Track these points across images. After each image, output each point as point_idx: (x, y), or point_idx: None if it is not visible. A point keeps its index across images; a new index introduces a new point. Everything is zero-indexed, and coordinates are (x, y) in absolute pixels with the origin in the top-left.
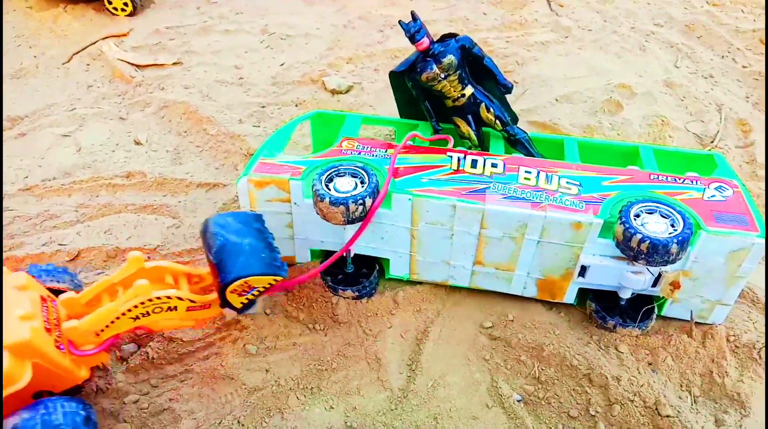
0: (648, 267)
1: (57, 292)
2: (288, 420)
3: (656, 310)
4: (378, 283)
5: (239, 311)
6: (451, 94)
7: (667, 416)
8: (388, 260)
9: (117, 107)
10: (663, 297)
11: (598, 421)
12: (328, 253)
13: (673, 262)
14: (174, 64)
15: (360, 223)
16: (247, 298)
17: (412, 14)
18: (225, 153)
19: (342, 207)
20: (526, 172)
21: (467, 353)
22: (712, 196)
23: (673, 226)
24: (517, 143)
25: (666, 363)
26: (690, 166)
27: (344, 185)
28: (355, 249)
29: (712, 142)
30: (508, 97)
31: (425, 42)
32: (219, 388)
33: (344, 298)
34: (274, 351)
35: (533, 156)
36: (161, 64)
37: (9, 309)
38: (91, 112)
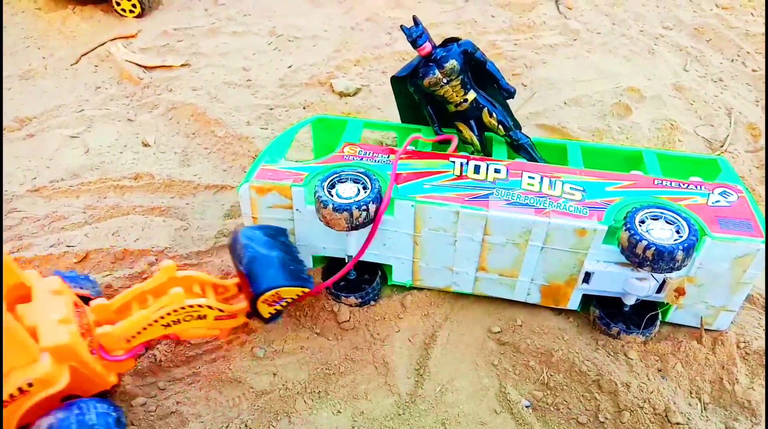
0: (653, 273)
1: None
2: (295, 424)
3: (660, 316)
4: (381, 290)
5: (266, 321)
6: (453, 99)
7: (677, 423)
8: (390, 266)
9: (125, 109)
10: (667, 303)
11: (607, 428)
12: (330, 260)
13: (679, 268)
14: (182, 65)
15: (362, 229)
16: (275, 309)
17: (414, 19)
18: (233, 155)
19: (345, 213)
20: (529, 177)
21: (475, 358)
22: (716, 202)
23: (678, 232)
24: (520, 148)
25: (676, 369)
26: (694, 171)
27: (347, 191)
28: None
29: (722, 146)
30: (515, 99)
31: (427, 47)
32: (226, 392)
33: (346, 304)
34: (281, 354)
35: (536, 161)
36: (169, 66)
37: (46, 313)
38: (99, 114)
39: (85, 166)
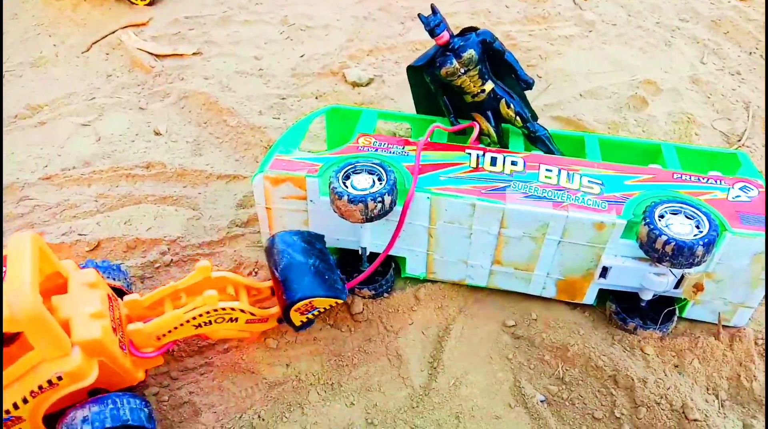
0: (671, 269)
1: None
2: (308, 415)
3: (677, 311)
4: (394, 282)
5: (297, 329)
6: (470, 90)
7: (695, 420)
8: (404, 259)
9: (136, 97)
10: (685, 299)
11: (623, 424)
12: (343, 251)
13: (698, 264)
14: (194, 54)
15: (376, 221)
16: (307, 318)
17: (432, 7)
18: (245, 145)
19: (361, 205)
20: (547, 170)
21: (490, 352)
22: (736, 197)
23: (698, 227)
24: (537, 140)
25: (693, 366)
26: (713, 165)
27: (362, 182)
28: (372, 247)
29: (740, 140)
30: (530, 91)
31: (445, 36)
32: (239, 382)
33: (360, 297)
34: (294, 345)
35: (554, 153)
36: (181, 54)
37: (79, 306)
38: (111, 102)
39: (97, 154)
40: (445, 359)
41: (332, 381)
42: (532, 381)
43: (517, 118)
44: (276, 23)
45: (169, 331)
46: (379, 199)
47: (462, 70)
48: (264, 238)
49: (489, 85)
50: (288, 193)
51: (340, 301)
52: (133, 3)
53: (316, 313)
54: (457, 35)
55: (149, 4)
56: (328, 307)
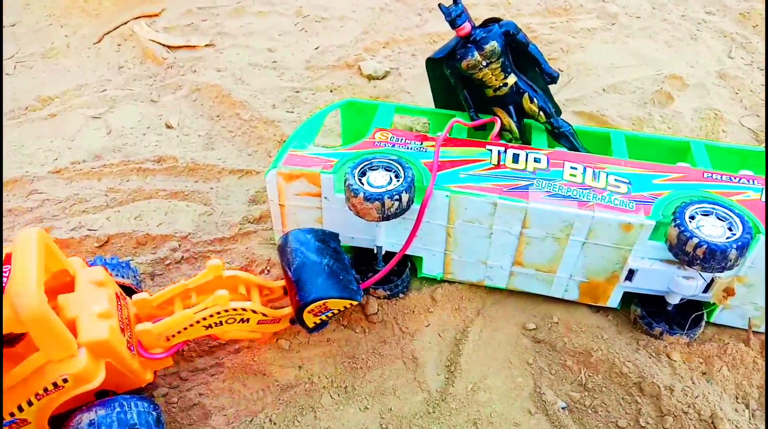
0: (701, 273)
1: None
2: (321, 420)
3: (705, 316)
4: (410, 282)
5: (310, 330)
6: (492, 83)
7: None
8: (421, 258)
9: (148, 89)
10: (714, 303)
11: None
12: (357, 250)
13: (731, 268)
14: (206, 45)
15: (393, 219)
16: (320, 319)
17: None
18: (258, 139)
19: (377, 203)
20: (571, 167)
21: (509, 356)
22: None
23: (730, 229)
24: (561, 136)
25: (722, 373)
26: (743, 164)
27: (378, 179)
28: (387, 246)
29: None
30: (552, 86)
31: (467, 27)
32: (250, 384)
33: (375, 297)
34: (307, 347)
35: (578, 150)
36: (193, 46)
37: (86, 305)
38: (122, 94)
39: (107, 147)
40: (462, 363)
41: (346, 384)
42: (553, 387)
43: (541, 113)
44: (290, 14)
45: (179, 332)
46: (397, 196)
47: (484, 63)
48: (277, 235)
49: (512, 79)
50: (302, 189)
51: (354, 303)
52: None
53: (329, 314)
54: (479, 26)
55: None
56: (342, 309)
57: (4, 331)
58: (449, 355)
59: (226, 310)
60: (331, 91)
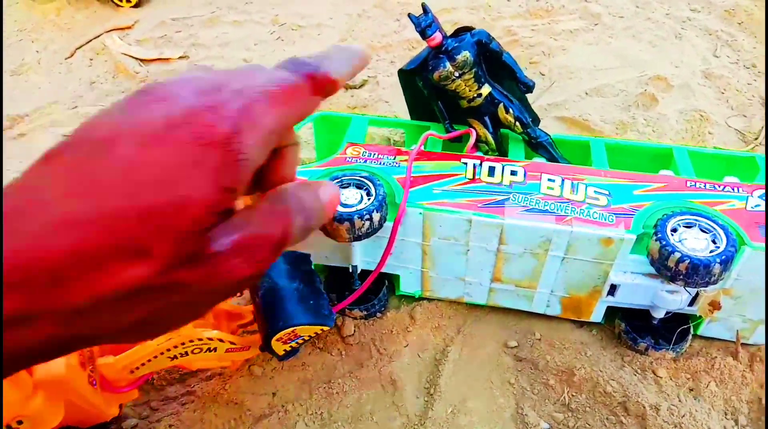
0: (686, 287)
1: None
2: None
3: (692, 329)
4: (388, 301)
5: (281, 358)
6: (466, 94)
7: None
8: (398, 276)
9: None
10: (700, 316)
11: None
12: (331, 269)
13: (715, 283)
14: (180, 58)
15: (365, 239)
16: (290, 346)
17: (423, 6)
18: None
19: (347, 223)
20: (549, 180)
21: (490, 376)
22: (756, 206)
23: (714, 242)
24: (538, 146)
25: (709, 389)
26: (729, 170)
27: (349, 198)
28: (363, 265)
29: (756, 138)
30: (534, 90)
31: (437, 37)
32: (222, 414)
33: (351, 318)
34: (281, 372)
35: (557, 161)
36: (166, 59)
37: None
38: (94, 110)
39: None
40: (442, 384)
41: (321, 411)
42: (536, 408)
43: (517, 123)
44: (267, 23)
45: (143, 364)
46: (367, 216)
47: (456, 74)
48: None
49: (486, 89)
50: None
51: (326, 328)
52: (118, 5)
53: (300, 341)
54: (451, 36)
55: (135, 6)
56: (313, 335)
57: None
58: (428, 376)
59: (191, 341)
60: None
